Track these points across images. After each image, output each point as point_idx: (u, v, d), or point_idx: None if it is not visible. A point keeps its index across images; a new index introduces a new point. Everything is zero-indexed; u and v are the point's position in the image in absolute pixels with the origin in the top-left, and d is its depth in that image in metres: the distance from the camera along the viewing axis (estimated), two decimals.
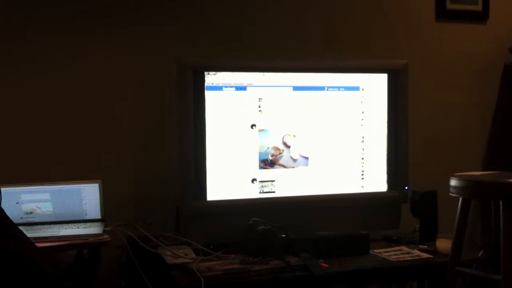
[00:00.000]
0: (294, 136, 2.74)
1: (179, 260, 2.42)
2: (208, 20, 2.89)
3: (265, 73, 2.72)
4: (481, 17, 3.30)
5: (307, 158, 2.77)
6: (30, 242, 1.90)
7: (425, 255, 2.61)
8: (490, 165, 3.23)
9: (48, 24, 2.69)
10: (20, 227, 1.97)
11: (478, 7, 3.30)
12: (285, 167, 2.75)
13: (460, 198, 2.36)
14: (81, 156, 2.72)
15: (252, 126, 2.70)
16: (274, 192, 2.73)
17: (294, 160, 2.76)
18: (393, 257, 2.57)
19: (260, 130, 2.70)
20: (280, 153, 2.72)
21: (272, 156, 2.71)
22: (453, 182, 2.36)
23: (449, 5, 3.24)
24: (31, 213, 2.52)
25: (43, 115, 2.69)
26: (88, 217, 2.55)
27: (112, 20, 2.77)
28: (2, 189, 2.30)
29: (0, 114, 2.64)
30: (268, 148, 2.71)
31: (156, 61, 2.79)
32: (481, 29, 3.31)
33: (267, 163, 2.72)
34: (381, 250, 2.65)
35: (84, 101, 2.74)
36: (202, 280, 2.21)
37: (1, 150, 2.62)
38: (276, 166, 2.73)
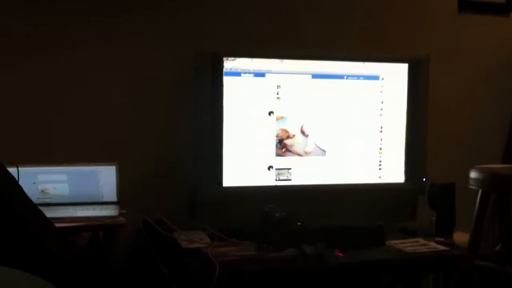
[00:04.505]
0: (312, 125, 2.73)
1: (194, 245, 2.42)
2: (228, 8, 2.87)
3: (284, 60, 2.70)
4: (504, 9, 3.25)
5: (324, 147, 2.75)
6: (49, 221, 1.89)
7: (441, 247, 2.59)
8: (509, 158, 3.20)
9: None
10: None
11: (502, 0, 3.25)
12: (301, 155, 2.73)
13: (480, 191, 2.34)
14: (98, 139, 2.71)
15: (270, 113, 2.68)
16: (290, 180, 2.72)
17: (311, 149, 2.74)
18: (410, 248, 2.55)
19: (278, 118, 2.69)
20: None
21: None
22: (472, 174, 2.33)
23: None
24: (47, 193, 2.52)
25: (65, 97, 2.68)
26: (104, 199, 2.55)
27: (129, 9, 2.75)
28: (19, 169, 2.32)
29: (20, 96, 2.64)
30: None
31: (175, 46, 2.78)
32: (504, 21, 3.27)
33: (284, 150, 2.70)
34: (397, 241, 2.63)
35: (104, 86, 2.73)
36: (217, 265, 2.20)
37: (19, 131, 2.62)
38: (292, 154, 2.71)
